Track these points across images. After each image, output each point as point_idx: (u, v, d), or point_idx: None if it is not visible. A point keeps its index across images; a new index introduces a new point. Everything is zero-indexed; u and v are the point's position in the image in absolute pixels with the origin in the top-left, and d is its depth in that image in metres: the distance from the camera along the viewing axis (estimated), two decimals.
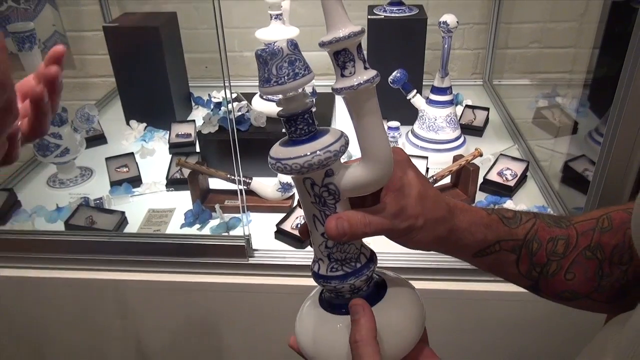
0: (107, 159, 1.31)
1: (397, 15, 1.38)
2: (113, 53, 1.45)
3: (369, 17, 1.37)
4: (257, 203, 1.16)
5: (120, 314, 1.08)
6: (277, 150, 0.43)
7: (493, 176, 1.19)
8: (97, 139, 1.46)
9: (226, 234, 1.08)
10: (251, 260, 1.01)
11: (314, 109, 0.43)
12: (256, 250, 1.02)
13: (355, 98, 0.40)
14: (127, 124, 1.51)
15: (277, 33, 1.26)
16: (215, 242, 1.02)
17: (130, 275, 1.03)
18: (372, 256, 0.47)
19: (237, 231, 1.08)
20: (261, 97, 1.36)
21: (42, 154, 1.21)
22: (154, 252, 1.03)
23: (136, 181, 1.26)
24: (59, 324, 1.10)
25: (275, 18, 1.29)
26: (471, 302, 0.99)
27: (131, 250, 1.03)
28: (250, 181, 1.16)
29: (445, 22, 1.19)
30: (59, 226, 1.12)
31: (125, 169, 1.29)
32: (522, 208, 1.10)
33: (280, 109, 0.43)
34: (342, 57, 0.40)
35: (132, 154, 1.33)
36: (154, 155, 1.40)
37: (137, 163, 1.30)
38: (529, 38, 1.71)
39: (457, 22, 1.20)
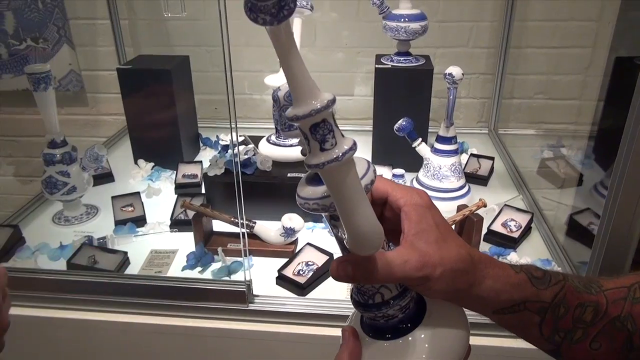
0: (113, 197, 1.32)
1: (404, 65, 1.41)
2: (125, 94, 1.48)
3: (376, 66, 1.40)
4: (259, 247, 1.15)
5: (117, 356, 1.06)
6: (300, 183, 0.42)
7: (497, 227, 1.19)
8: (104, 177, 1.48)
9: (227, 278, 1.07)
10: (251, 307, 1.00)
11: None
12: (257, 296, 1.01)
13: (323, 177, 0.38)
14: (135, 162, 1.53)
15: (285, 79, 1.29)
16: (216, 286, 1.02)
17: (129, 317, 1.02)
18: (390, 300, 0.44)
19: (238, 275, 1.07)
20: (268, 141, 1.38)
21: (50, 192, 1.23)
22: (154, 294, 1.02)
23: (141, 221, 1.26)
24: None
25: None
26: (492, 358, 0.96)
27: (131, 292, 1.03)
28: (253, 225, 1.16)
29: (450, 74, 1.22)
30: (62, 264, 1.12)
31: (130, 208, 1.29)
32: (526, 260, 1.09)
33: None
34: (301, 134, 0.37)
35: (138, 193, 1.34)
36: (159, 195, 1.41)
37: (142, 203, 1.31)
38: (535, 89, 1.73)
39: (462, 74, 1.22)
